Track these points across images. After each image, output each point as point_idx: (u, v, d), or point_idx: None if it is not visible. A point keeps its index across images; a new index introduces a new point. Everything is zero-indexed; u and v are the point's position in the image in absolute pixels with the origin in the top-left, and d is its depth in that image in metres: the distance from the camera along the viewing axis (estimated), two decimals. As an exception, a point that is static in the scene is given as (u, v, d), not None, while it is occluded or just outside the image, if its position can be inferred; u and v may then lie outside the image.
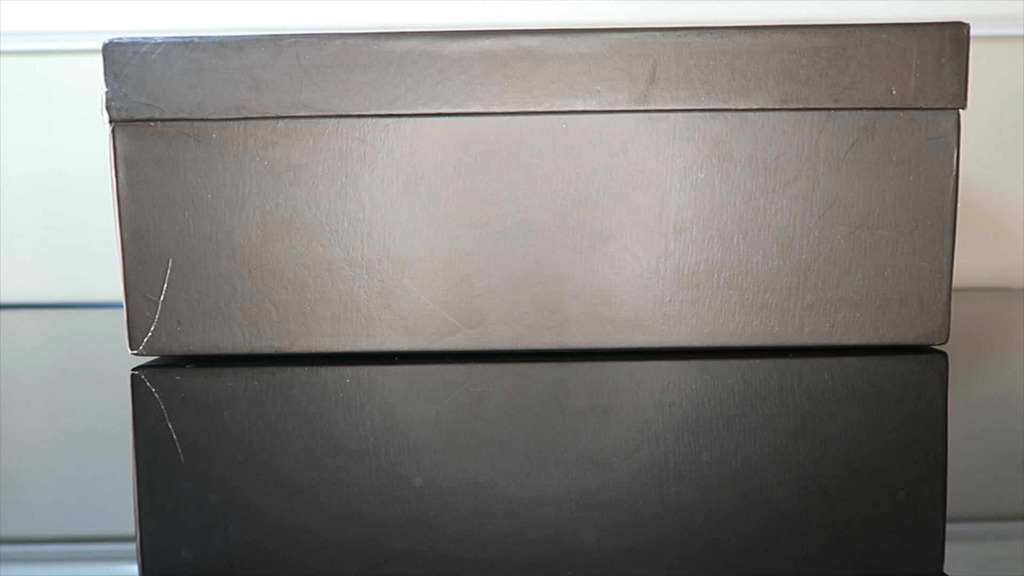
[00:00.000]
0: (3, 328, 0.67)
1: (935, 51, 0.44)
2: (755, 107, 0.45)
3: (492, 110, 0.45)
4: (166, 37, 0.44)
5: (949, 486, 0.31)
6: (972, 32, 0.45)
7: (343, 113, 0.45)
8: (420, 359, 0.46)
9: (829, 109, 0.45)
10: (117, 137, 0.45)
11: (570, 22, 0.74)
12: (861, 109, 0.45)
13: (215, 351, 0.46)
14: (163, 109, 0.45)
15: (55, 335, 0.66)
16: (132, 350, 0.46)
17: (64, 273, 0.76)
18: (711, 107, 0.45)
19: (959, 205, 0.46)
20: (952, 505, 0.30)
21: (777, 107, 0.45)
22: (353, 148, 0.45)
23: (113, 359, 0.49)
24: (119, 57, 0.44)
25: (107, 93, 0.44)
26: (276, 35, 0.44)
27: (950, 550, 0.27)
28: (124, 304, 0.46)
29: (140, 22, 0.73)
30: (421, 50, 0.44)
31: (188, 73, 0.44)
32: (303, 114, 0.45)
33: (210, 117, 0.45)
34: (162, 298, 0.46)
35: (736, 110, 0.45)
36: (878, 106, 0.45)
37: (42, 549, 0.28)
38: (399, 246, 0.46)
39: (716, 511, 0.29)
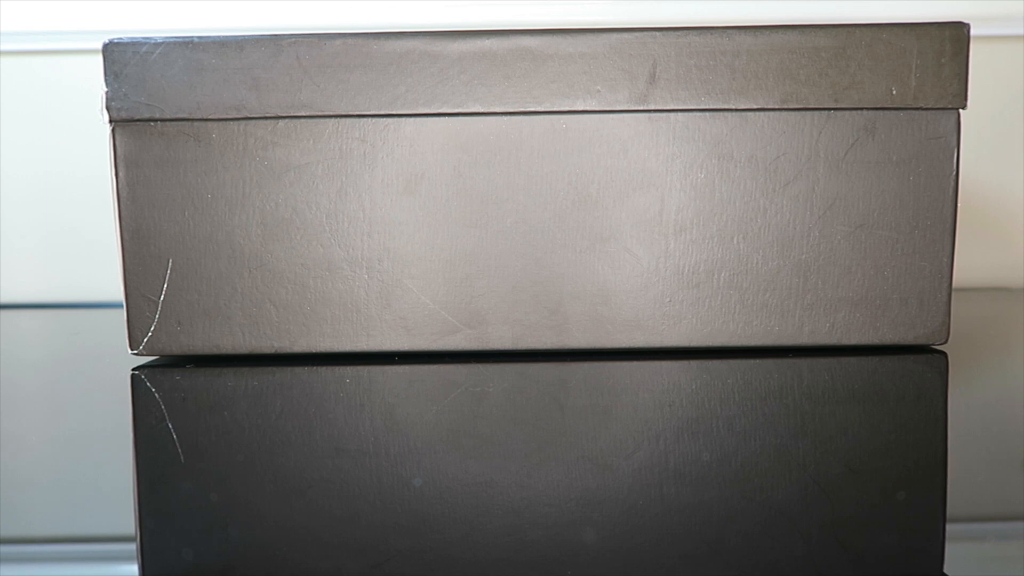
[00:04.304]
0: (3, 328, 0.67)
1: (935, 51, 0.44)
2: (755, 107, 0.45)
3: (492, 110, 0.45)
4: (166, 37, 0.44)
5: (949, 486, 0.31)
6: (972, 32, 0.45)
7: (343, 113, 0.45)
8: (420, 359, 0.46)
9: (829, 109, 0.45)
10: (117, 137, 0.45)
11: (570, 22, 0.74)
12: (861, 109, 0.45)
13: (215, 351, 0.46)
14: (163, 109, 0.45)
15: (55, 335, 0.66)
16: (132, 350, 0.46)
17: (64, 273, 0.76)
18: (711, 107, 0.45)
19: (959, 205, 0.46)
20: (952, 505, 0.30)
21: (777, 107, 0.45)
22: (353, 148, 0.45)
23: (113, 359, 0.49)
24: (119, 57, 0.44)
25: (107, 93, 0.44)
26: (276, 35, 0.44)
27: (950, 550, 0.27)
28: (124, 304, 0.46)
29: (140, 22, 0.73)
30: (421, 50, 0.44)
31: (188, 73, 0.44)
32: (303, 114, 0.45)
33: (210, 117, 0.45)
34: (162, 298, 0.46)
35: (736, 110, 0.45)
36: (878, 106, 0.45)
37: (42, 549, 0.28)
38: (399, 246, 0.46)
39: (716, 511, 0.29)
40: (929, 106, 0.45)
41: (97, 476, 0.35)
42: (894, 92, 0.44)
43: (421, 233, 0.46)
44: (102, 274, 0.73)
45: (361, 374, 0.45)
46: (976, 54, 0.50)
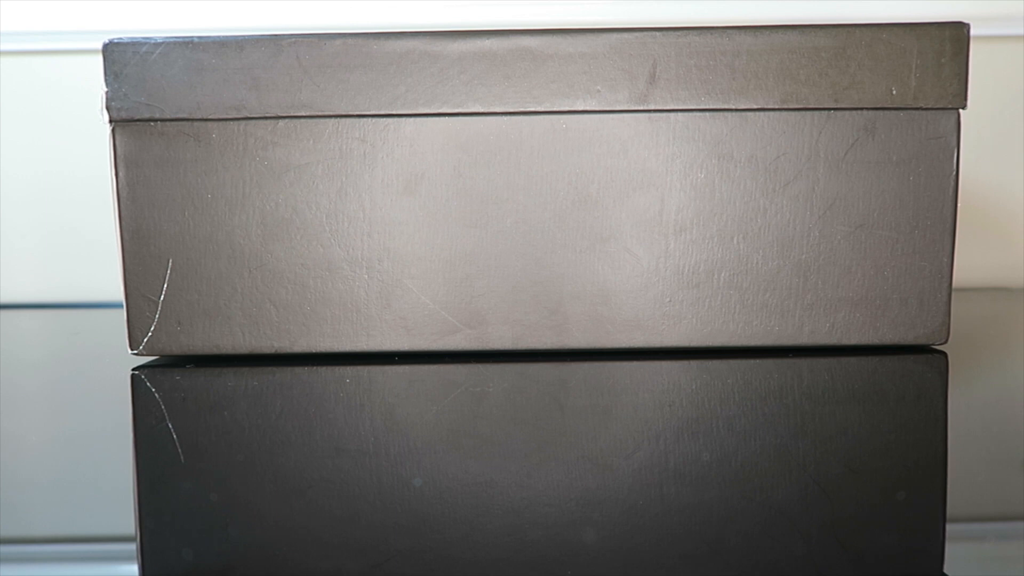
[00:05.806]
0: (3, 328, 0.67)
1: (935, 51, 0.44)
2: (755, 107, 0.45)
3: (492, 110, 0.45)
4: (166, 37, 0.44)
5: (949, 486, 0.31)
6: (972, 32, 0.45)
7: (343, 113, 0.45)
8: (420, 359, 0.46)
9: (829, 109, 0.45)
10: (117, 137, 0.45)
11: (570, 22, 0.74)
12: (861, 109, 0.45)
13: (215, 351, 0.46)
14: (163, 109, 0.45)
15: (55, 335, 0.66)
16: (132, 350, 0.46)
17: (64, 273, 0.76)
18: (711, 107, 0.45)
19: (959, 205, 0.46)
20: (952, 505, 0.30)
21: (777, 107, 0.45)
22: (353, 148, 0.45)
23: (113, 359, 0.49)
24: (119, 57, 0.44)
25: (107, 93, 0.44)
26: (276, 35, 0.44)
27: (950, 550, 0.27)
28: (124, 304, 0.46)
29: (140, 22, 0.73)
30: (421, 50, 0.44)
31: (188, 73, 0.44)
32: (303, 114, 0.45)
33: (210, 117, 0.45)
34: (162, 298, 0.46)
35: (736, 110, 0.45)
36: (878, 106, 0.45)
37: (42, 549, 0.28)
38: (399, 246, 0.46)
39: (716, 511, 0.29)
40: (929, 106, 0.45)
41: (97, 476, 0.35)
42: (894, 92, 0.44)
43: (421, 233, 0.46)
44: (102, 274, 0.73)
45: (361, 374, 0.45)
46: (976, 54, 0.50)
